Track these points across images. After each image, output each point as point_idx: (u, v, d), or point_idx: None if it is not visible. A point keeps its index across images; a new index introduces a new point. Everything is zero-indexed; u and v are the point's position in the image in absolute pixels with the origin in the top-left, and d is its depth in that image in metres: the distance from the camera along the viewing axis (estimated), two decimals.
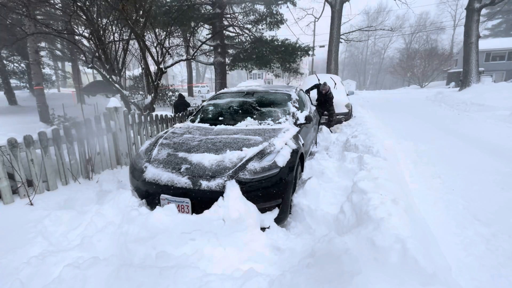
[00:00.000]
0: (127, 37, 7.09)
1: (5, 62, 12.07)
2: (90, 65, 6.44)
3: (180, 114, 5.78)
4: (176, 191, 2.28)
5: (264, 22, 12.23)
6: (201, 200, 2.23)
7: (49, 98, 9.14)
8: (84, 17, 5.95)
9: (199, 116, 3.75)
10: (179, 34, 11.47)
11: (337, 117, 6.85)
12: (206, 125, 3.36)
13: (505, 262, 1.80)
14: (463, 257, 1.89)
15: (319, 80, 8.35)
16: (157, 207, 2.25)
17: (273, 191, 2.28)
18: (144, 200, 2.48)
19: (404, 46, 47.85)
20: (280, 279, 1.68)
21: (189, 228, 2.04)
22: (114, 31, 6.91)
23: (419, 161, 3.85)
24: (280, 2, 11.93)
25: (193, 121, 3.63)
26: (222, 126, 3.21)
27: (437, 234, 2.09)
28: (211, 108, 3.99)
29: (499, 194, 2.77)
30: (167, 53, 6.94)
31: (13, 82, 14.26)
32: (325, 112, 6.57)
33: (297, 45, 12.08)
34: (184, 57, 8.71)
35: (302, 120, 3.38)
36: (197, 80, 39.04)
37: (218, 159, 2.40)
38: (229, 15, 12.68)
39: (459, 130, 6.04)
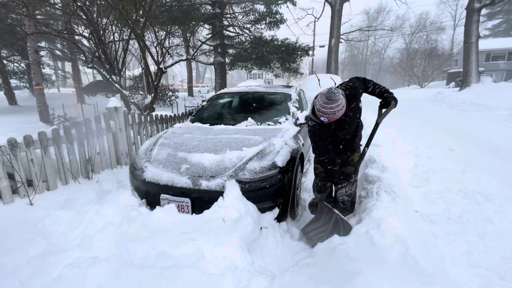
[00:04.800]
0: (127, 37, 7.09)
1: (5, 62, 12.06)
2: (90, 65, 6.44)
3: (180, 114, 5.78)
4: (176, 191, 2.28)
5: (264, 21, 12.23)
6: (201, 200, 2.23)
7: (49, 98, 9.13)
8: (84, 17, 5.95)
9: (199, 116, 3.75)
10: (179, 34, 11.47)
11: None
12: (206, 125, 3.36)
13: None
14: None
15: (319, 80, 8.36)
16: (157, 207, 2.25)
17: (273, 191, 2.28)
18: (144, 200, 2.48)
19: (404, 46, 47.87)
20: (280, 279, 1.68)
21: (189, 228, 2.04)
22: (114, 31, 6.91)
23: (419, 163, 3.84)
24: (280, 1, 11.92)
25: (193, 121, 3.62)
26: (222, 126, 3.21)
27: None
28: (211, 108, 3.99)
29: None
30: (167, 53, 6.95)
31: (13, 82, 14.25)
32: None
33: (297, 45, 12.08)
34: (184, 57, 8.71)
35: (302, 120, 3.37)
36: (197, 80, 39.04)
37: (218, 159, 2.40)
38: (229, 15, 12.68)
39: (458, 130, 6.03)
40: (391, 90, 2.26)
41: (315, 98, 1.93)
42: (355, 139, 2.32)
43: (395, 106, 2.12)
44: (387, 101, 2.11)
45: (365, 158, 3.45)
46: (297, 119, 3.33)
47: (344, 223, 2.08)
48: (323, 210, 2.25)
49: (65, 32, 7.72)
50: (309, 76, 11.33)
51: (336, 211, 2.15)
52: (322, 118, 1.88)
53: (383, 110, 2.15)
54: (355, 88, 2.04)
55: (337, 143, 2.24)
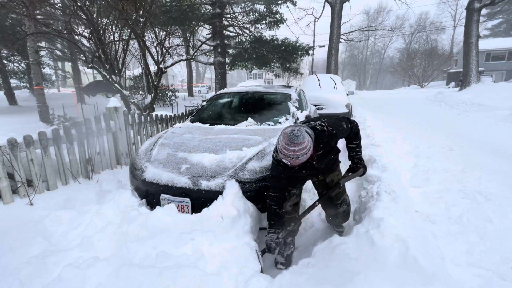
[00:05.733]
0: (127, 37, 7.09)
1: (5, 62, 12.07)
2: (90, 65, 6.44)
3: (180, 114, 5.78)
4: (176, 191, 2.28)
5: (264, 21, 12.24)
6: (201, 200, 2.23)
7: (49, 98, 9.13)
8: (84, 17, 5.95)
9: (199, 116, 3.75)
10: (179, 34, 11.48)
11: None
12: (206, 125, 3.35)
13: None
14: None
15: (319, 80, 8.35)
16: (157, 207, 2.25)
17: None
18: (144, 200, 2.48)
19: (404, 46, 47.89)
20: (280, 279, 1.68)
21: (189, 228, 2.04)
22: (114, 31, 6.91)
23: (419, 163, 3.84)
24: (280, 1, 11.93)
25: (193, 121, 3.62)
26: (222, 126, 3.21)
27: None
28: (211, 108, 3.99)
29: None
30: (167, 53, 6.95)
31: (13, 82, 14.26)
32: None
33: (297, 44, 12.09)
34: (184, 57, 8.71)
35: (302, 119, 3.38)
36: (197, 80, 39.04)
37: (218, 159, 2.40)
38: (229, 15, 12.68)
39: (458, 130, 6.04)
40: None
41: (280, 134, 1.69)
42: (327, 165, 2.00)
43: (361, 174, 2.06)
44: (357, 168, 2.03)
45: (365, 158, 3.46)
46: (297, 119, 3.33)
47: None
48: None
49: (65, 32, 7.71)
50: (309, 76, 11.34)
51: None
52: (284, 161, 1.65)
53: (350, 174, 2.07)
54: (330, 136, 1.78)
55: (304, 176, 2.01)
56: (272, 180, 1.94)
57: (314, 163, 1.80)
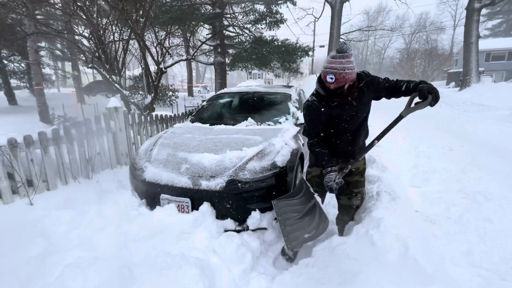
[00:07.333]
0: (127, 37, 7.09)
1: (5, 62, 12.07)
2: (90, 65, 6.44)
3: (180, 114, 5.78)
4: (176, 191, 2.28)
5: (264, 21, 12.24)
6: (201, 200, 2.23)
7: (49, 98, 9.13)
8: (84, 17, 5.96)
9: (199, 116, 3.75)
10: (179, 34, 11.48)
11: None
12: (206, 125, 3.35)
13: None
14: None
15: None
16: (157, 207, 2.25)
17: (273, 191, 2.28)
18: (144, 200, 2.48)
19: (404, 46, 47.83)
20: (280, 279, 1.68)
21: (189, 227, 2.04)
22: (114, 31, 6.91)
23: (419, 163, 3.84)
24: (280, 1, 11.93)
25: (193, 121, 3.62)
26: (222, 126, 3.21)
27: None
28: (211, 108, 3.99)
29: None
30: (167, 53, 6.95)
31: (13, 82, 14.26)
32: None
33: (297, 45, 12.09)
34: (184, 57, 8.71)
35: (302, 120, 3.37)
36: (197, 80, 39.00)
37: (218, 159, 2.40)
38: (229, 15, 12.68)
39: (458, 130, 6.04)
40: None
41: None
42: (357, 140, 2.00)
43: (431, 103, 1.60)
44: (424, 93, 1.61)
45: (365, 158, 3.46)
46: (297, 119, 3.33)
47: (322, 212, 1.88)
48: (303, 186, 2.01)
49: (65, 32, 7.72)
50: (309, 76, 11.33)
51: (316, 196, 1.94)
52: (328, 78, 1.60)
53: (415, 104, 1.69)
54: (371, 79, 1.81)
55: (335, 134, 1.93)
56: (307, 127, 1.95)
57: (353, 101, 1.77)
